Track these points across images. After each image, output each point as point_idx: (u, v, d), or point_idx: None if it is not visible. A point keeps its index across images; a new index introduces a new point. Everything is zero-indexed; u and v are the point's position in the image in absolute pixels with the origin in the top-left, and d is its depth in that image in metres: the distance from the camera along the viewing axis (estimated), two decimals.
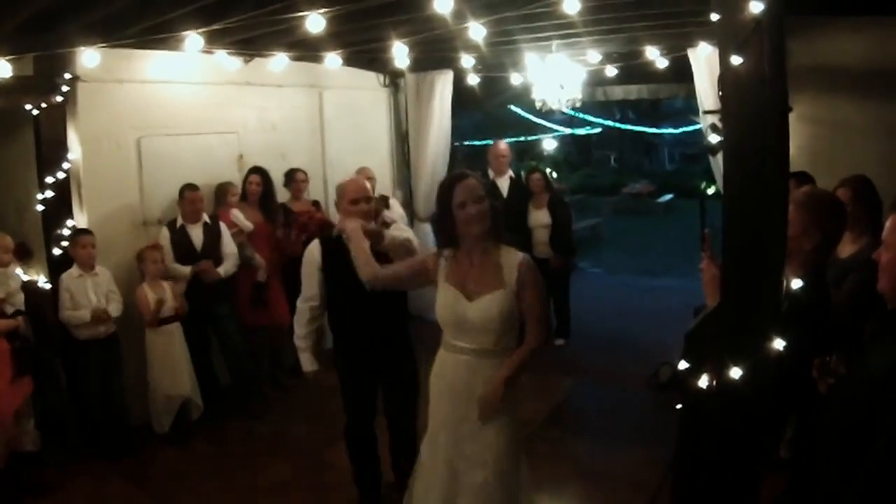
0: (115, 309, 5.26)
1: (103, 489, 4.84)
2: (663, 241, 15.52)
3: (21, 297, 4.97)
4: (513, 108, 13.19)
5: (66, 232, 5.41)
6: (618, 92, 8.14)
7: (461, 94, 8.12)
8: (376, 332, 4.12)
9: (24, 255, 5.54)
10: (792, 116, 2.87)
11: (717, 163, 5.46)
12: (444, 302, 3.11)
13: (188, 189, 5.75)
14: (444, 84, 8.09)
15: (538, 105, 6.95)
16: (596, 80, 7.39)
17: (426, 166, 8.36)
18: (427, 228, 8.34)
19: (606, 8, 4.85)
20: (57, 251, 5.42)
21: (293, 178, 6.76)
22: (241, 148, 6.67)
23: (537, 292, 3.04)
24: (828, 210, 3.04)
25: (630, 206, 21.99)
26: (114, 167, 5.68)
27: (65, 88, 5.30)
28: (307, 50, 5.74)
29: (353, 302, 4.06)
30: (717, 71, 2.85)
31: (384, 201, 7.40)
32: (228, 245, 5.90)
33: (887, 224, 2.12)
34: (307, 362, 4.27)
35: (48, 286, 5.50)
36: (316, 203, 6.98)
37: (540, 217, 7.47)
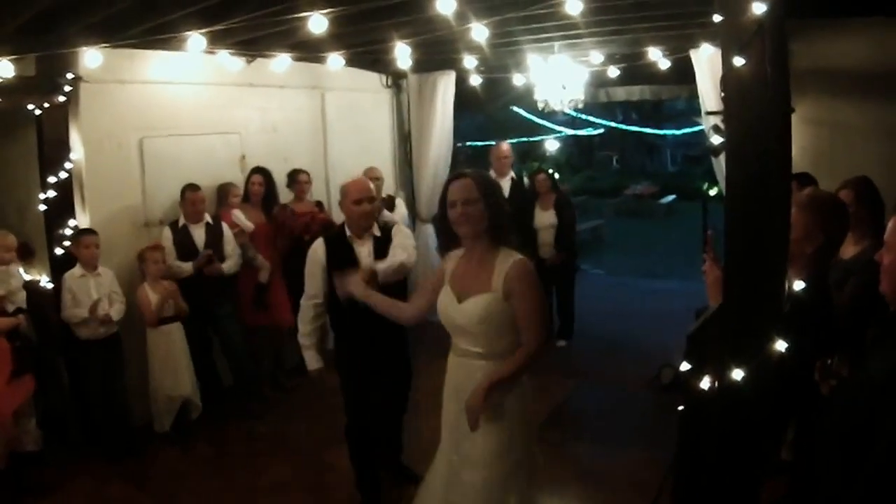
0: (117, 310, 5.25)
1: (104, 489, 4.84)
2: (665, 242, 15.53)
3: (23, 295, 4.97)
4: (515, 109, 13.18)
5: (68, 232, 5.41)
6: (620, 93, 8.15)
7: (463, 96, 8.12)
8: (377, 331, 4.10)
9: (26, 254, 5.55)
10: (794, 118, 2.86)
11: (720, 164, 5.47)
12: (440, 303, 3.12)
13: (189, 189, 5.75)
14: (446, 85, 8.09)
15: (540, 106, 6.95)
16: (598, 81, 7.40)
17: (428, 167, 8.36)
18: (429, 229, 8.34)
19: (609, 9, 4.85)
20: (59, 251, 5.42)
21: (296, 178, 6.76)
22: (244, 149, 6.68)
23: (528, 298, 2.93)
24: (830, 212, 3.03)
25: (632, 208, 22.00)
26: (116, 167, 5.69)
27: (67, 89, 5.30)
28: (309, 51, 5.74)
29: (355, 301, 4.09)
30: (719, 72, 2.84)
31: (390, 202, 7.41)
32: (231, 245, 5.90)
33: (889, 225, 2.11)
34: (312, 360, 4.26)
35: (50, 286, 5.50)
36: (319, 204, 6.98)
37: (546, 218, 7.46)
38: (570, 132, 23.55)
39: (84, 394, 5.28)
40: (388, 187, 8.16)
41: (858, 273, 3.34)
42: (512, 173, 7.70)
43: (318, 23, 4.03)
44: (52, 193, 5.43)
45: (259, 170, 6.43)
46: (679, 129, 23.49)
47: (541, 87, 6.80)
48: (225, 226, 5.96)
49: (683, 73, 6.48)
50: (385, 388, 4.35)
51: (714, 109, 5.95)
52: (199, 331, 5.78)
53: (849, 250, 3.64)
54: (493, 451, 3.01)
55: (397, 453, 4.72)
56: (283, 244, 6.38)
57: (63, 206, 5.47)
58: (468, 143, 18.39)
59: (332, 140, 7.71)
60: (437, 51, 6.39)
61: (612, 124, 22.56)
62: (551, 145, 24.02)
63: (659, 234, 17.30)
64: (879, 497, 1.76)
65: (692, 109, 17.05)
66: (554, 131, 22.33)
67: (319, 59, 5.98)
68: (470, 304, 2.99)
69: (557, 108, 6.94)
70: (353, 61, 6.75)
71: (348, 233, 4.22)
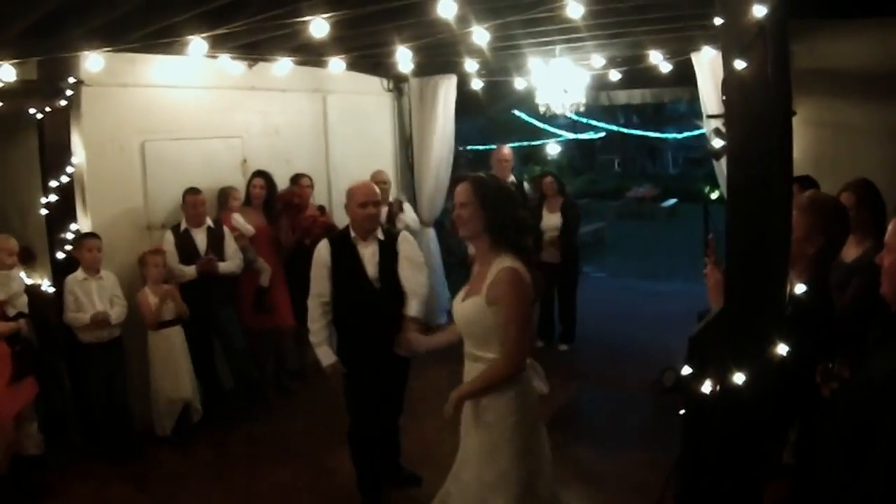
0: (118, 313, 5.26)
1: (105, 492, 4.84)
2: (667, 245, 15.51)
3: (24, 299, 4.97)
4: (516, 112, 13.19)
5: (69, 236, 5.42)
6: (621, 96, 8.14)
7: (465, 99, 8.12)
8: (379, 331, 4.17)
9: (27, 258, 5.55)
10: (795, 120, 2.87)
11: (721, 167, 5.47)
12: (454, 300, 3.18)
13: (190, 193, 5.76)
14: (447, 88, 8.10)
15: (542, 109, 6.95)
16: (600, 84, 7.39)
17: (430, 171, 8.36)
18: (431, 233, 8.36)
19: (610, 12, 4.85)
20: (60, 255, 5.43)
21: (298, 183, 6.76)
22: (245, 152, 6.68)
23: (506, 307, 2.88)
24: (831, 214, 3.03)
25: (634, 211, 22.02)
26: (118, 171, 5.70)
27: (69, 92, 5.30)
28: (311, 54, 5.75)
29: (358, 301, 4.21)
30: (720, 75, 2.85)
31: (398, 206, 7.41)
32: (232, 248, 5.90)
33: (889, 228, 2.11)
34: (324, 356, 4.26)
35: (52, 290, 5.50)
36: (321, 208, 6.98)
37: (552, 220, 7.45)
38: (572, 136, 23.53)
39: (86, 397, 5.28)
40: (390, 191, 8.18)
41: (860, 275, 3.34)
42: (512, 177, 7.69)
43: (319, 27, 4.04)
44: (53, 197, 5.43)
45: (260, 173, 6.43)
46: (680, 132, 23.47)
47: (542, 90, 6.80)
48: (226, 229, 5.96)
49: (684, 76, 6.48)
50: (384, 387, 4.38)
51: (715, 113, 5.96)
52: (201, 334, 5.78)
53: (851, 252, 3.64)
54: (480, 456, 3.02)
55: (396, 455, 4.72)
56: (287, 237, 6.38)
57: (65, 210, 5.47)
58: (469, 147, 18.40)
59: (333, 143, 7.71)
60: (439, 54, 6.39)
61: (614, 128, 22.55)
62: (553, 149, 24.01)
63: (660, 236, 17.29)
64: (880, 498, 1.76)
65: (693, 112, 17.06)
66: (555, 135, 22.31)
67: (321, 63, 5.98)
68: (466, 305, 3.03)
69: (559, 111, 6.94)
70: (354, 65, 6.76)
71: (353, 234, 4.27)
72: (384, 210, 6.45)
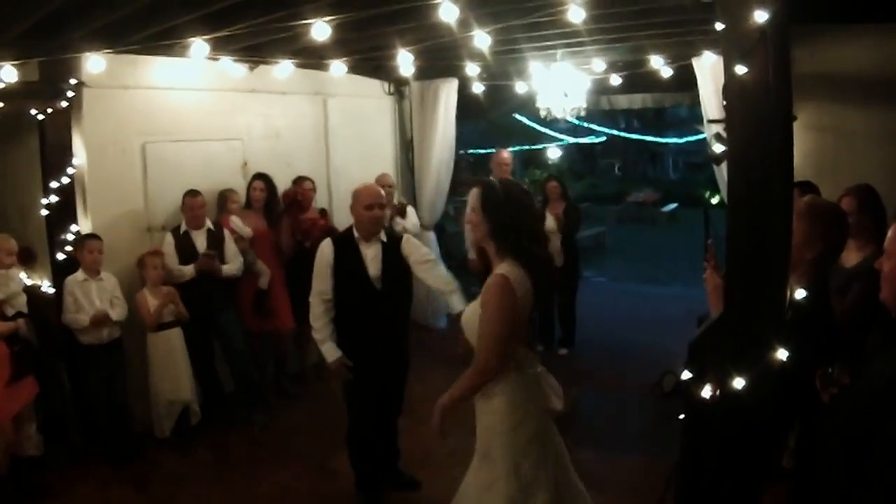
0: (119, 314, 5.26)
1: (105, 493, 4.83)
2: (667, 249, 15.51)
3: (23, 299, 4.96)
4: (517, 116, 13.21)
5: (69, 237, 5.42)
6: (622, 101, 8.15)
7: (466, 103, 8.13)
8: (379, 331, 4.21)
9: (28, 259, 5.55)
10: (796, 124, 2.86)
11: (722, 172, 5.47)
12: None
13: (188, 195, 5.75)
14: (448, 92, 8.11)
15: (543, 114, 6.95)
16: (600, 88, 7.41)
17: (430, 174, 8.37)
18: (431, 236, 8.35)
19: (611, 17, 4.86)
20: (61, 256, 5.42)
21: (301, 185, 6.74)
22: (246, 155, 6.68)
23: (487, 312, 2.89)
24: (830, 220, 3.03)
25: (634, 215, 22.03)
26: (118, 173, 5.70)
27: (70, 94, 5.30)
28: (312, 57, 5.76)
29: (358, 301, 4.23)
30: (721, 80, 2.85)
31: (402, 209, 7.41)
32: (232, 251, 5.90)
33: (889, 233, 2.11)
34: (329, 352, 4.26)
35: (51, 291, 5.50)
36: (323, 211, 6.98)
37: (553, 224, 7.43)
38: (573, 140, 23.57)
39: (85, 397, 5.27)
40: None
41: (860, 281, 3.34)
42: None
43: (321, 29, 4.04)
44: (54, 198, 5.43)
45: (260, 176, 6.43)
46: (681, 136, 23.55)
47: (543, 94, 6.81)
48: (226, 232, 5.96)
49: (685, 80, 6.49)
50: (383, 388, 4.40)
51: (716, 118, 5.97)
52: (200, 336, 5.77)
53: (852, 258, 3.63)
54: (476, 458, 3.06)
55: (395, 459, 4.73)
56: (287, 241, 6.39)
57: (65, 211, 5.47)
58: (470, 151, 18.42)
59: (334, 146, 7.72)
60: (440, 58, 6.40)
61: (615, 132, 22.61)
62: (553, 153, 24.04)
63: (661, 241, 17.29)
64: (881, 502, 1.76)
65: (694, 117, 17.05)
66: (556, 139, 22.34)
67: (322, 66, 5.99)
68: (467, 310, 3.06)
69: (560, 115, 6.95)
70: (355, 68, 6.76)
71: (356, 235, 4.29)
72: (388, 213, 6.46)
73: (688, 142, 22.72)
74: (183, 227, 5.78)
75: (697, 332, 3.34)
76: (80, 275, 5.19)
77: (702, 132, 9.52)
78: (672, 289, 11.12)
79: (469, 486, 3.09)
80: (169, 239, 5.72)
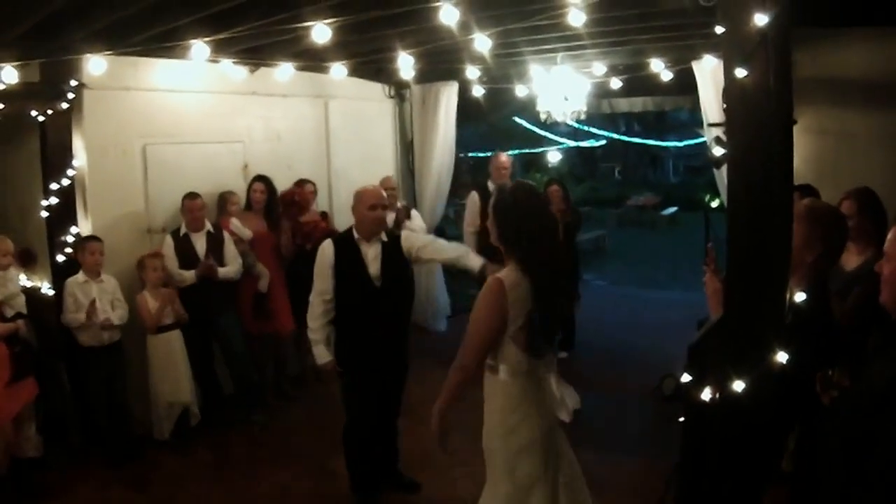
0: (119, 316, 5.26)
1: (105, 493, 4.83)
2: (667, 253, 15.51)
3: (22, 299, 4.97)
4: (518, 119, 13.21)
5: (70, 238, 5.42)
6: (623, 104, 8.16)
7: (466, 106, 8.13)
8: (380, 331, 4.23)
9: (27, 260, 5.55)
10: (797, 128, 2.86)
11: (722, 175, 5.47)
12: None
13: (188, 198, 5.75)
14: (449, 95, 8.11)
15: (543, 117, 6.95)
16: (601, 92, 7.41)
17: (431, 177, 8.36)
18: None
19: (612, 20, 4.86)
20: (61, 257, 5.42)
21: (301, 188, 6.75)
22: (247, 157, 6.68)
23: (474, 313, 2.96)
24: (829, 223, 3.02)
25: (634, 219, 22.04)
26: (119, 174, 5.70)
27: (71, 95, 5.32)
28: (313, 60, 5.76)
29: (359, 300, 4.24)
30: (721, 83, 2.85)
31: (406, 211, 7.41)
32: (232, 253, 5.90)
33: (889, 236, 2.11)
34: (321, 354, 4.30)
35: (51, 292, 5.50)
36: (324, 214, 6.98)
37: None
38: (573, 143, 23.60)
39: (85, 398, 5.27)
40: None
41: (860, 283, 3.34)
42: (510, 184, 7.67)
43: (321, 32, 4.05)
44: (54, 200, 5.43)
45: (261, 178, 6.42)
46: (681, 140, 23.58)
47: (543, 97, 6.81)
48: (226, 234, 5.96)
49: (686, 84, 6.49)
50: (383, 387, 4.41)
51: (716, 121, 5.96)
52: (200, 339, 5.76)
53: (852, 261, 3.64)
54: (487, 454, 3.10)
55: (395, 460, 4.73)
56: (287, 243, 6.39)
57: (65, 213, 5.47)
58: (471, 154, 18.43)
59: (335, 149, 7.72)
60: (441, 61, 6.40)
61: (615, 135, 22.64)
62: (554, 156, 24.07)
63: (661, 244, 17.30)
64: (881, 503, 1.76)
65: (695, 121, 17.08)
66: (556, 142, 22.37)
67: (323, 69, 6.00)
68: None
69: (560, 118, 6.95)
70: (356, 71, 6.77)
71: (357, 235, 4.31)
72: (391, 216, 6.47)
73: (688, 145, 22.76)
74: (183, 230, 5.78)
75: (697, 336, 3.34)
76: (80, 276, 5.19)
77: (702, 136, 9.54)
78: (672, 292, 11.12)
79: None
80: (169, 241, 5.72)
